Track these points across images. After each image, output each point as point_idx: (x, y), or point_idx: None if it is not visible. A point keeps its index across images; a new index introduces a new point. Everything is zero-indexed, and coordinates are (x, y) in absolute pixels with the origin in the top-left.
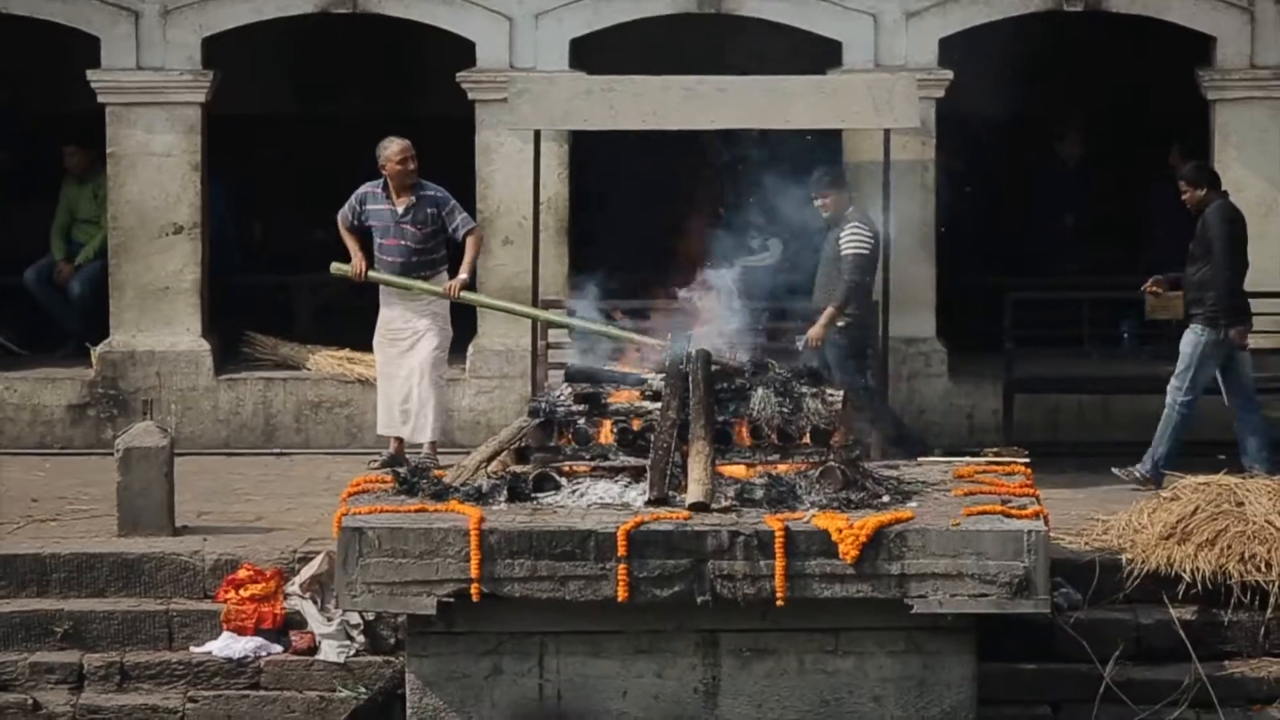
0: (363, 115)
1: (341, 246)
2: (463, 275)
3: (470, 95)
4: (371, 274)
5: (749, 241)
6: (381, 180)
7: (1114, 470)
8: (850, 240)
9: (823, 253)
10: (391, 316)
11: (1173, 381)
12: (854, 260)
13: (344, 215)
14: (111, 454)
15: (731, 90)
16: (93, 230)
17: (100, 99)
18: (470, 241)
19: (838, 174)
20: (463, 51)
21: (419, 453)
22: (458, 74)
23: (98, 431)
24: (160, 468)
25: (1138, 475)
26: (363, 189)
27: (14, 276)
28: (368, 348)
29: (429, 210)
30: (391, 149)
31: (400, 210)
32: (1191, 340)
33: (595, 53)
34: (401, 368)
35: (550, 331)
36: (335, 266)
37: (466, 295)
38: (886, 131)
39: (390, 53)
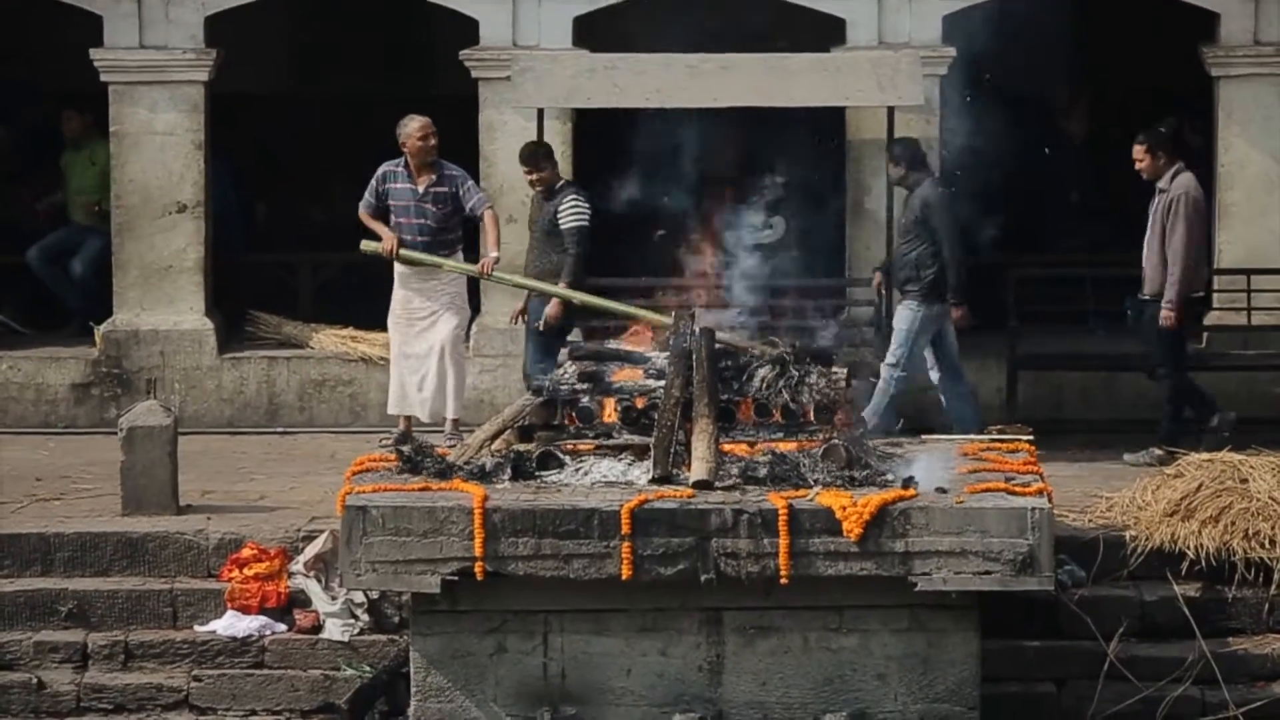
0: (366, 94)
1: (357, 228)
2: (494, 254)
3: (474, 74)
4: (404, 252)
5: (753, 219)
6: (402, 159)
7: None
8: (570, 212)
9: (537, 224)
10: (409, 296)
11: (888, 358)
12: (577, 233)
13: (366, 202)
14: (115, 433)
15: (735, 68)
16: (87, 200)
17: (103, 78)
18: (489, 218)
19: (547, 148)
20: (466, 30)
21: (440, 430)
22: (461, 52)
23: (101, 410)
24: (164, 447)
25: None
26: (382, 169)
27: (18, 255)
28: (371, 326)
29: (448, 190)
30: (412, 126)
31: (421, 189)
32: (907, 317)
33: (598, 31)
34: (419, 347)
35: None
36: (366, 244)
37: (499, 274)
38: (890, 109)
39: (394, 32)
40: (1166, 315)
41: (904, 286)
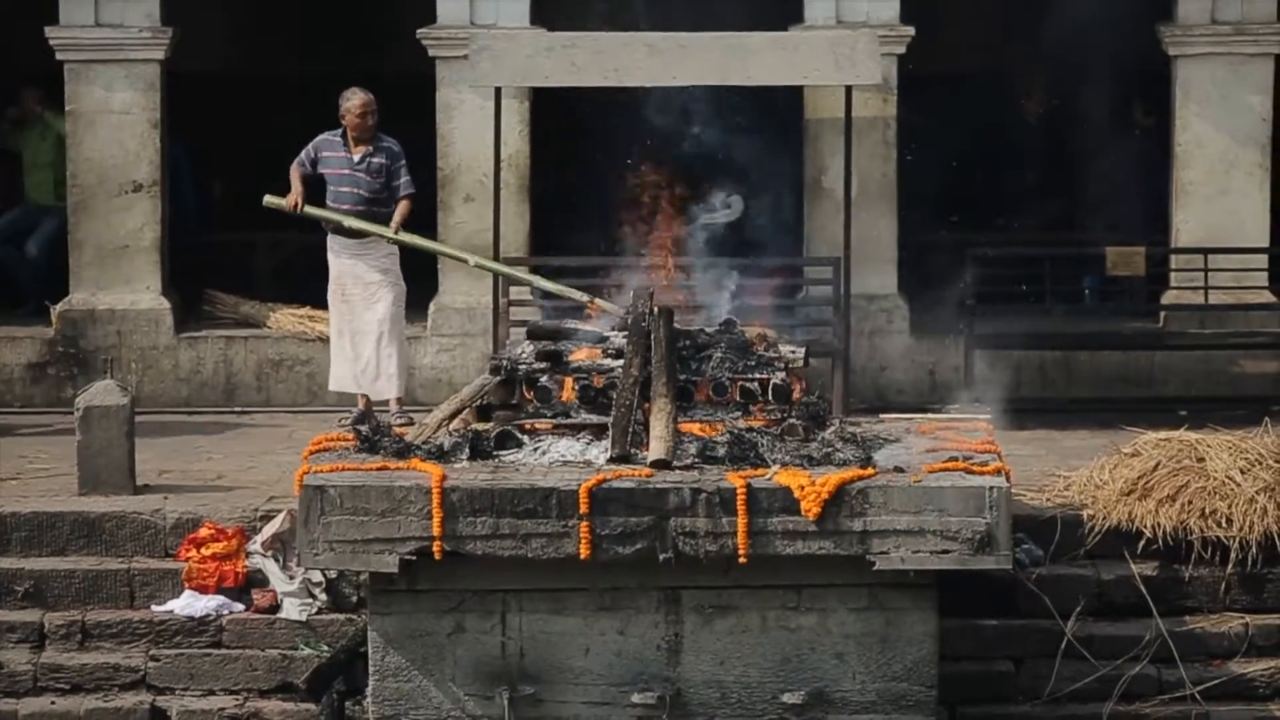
0: (325, 72)
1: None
2: (397, 220)
3: (431, 52)
4: (308, 209)
5: (711, 199)
6: (340, 129)
7: None
8: None
9: None
10: (341, 270)
11: None
12: None
13: (300, 161)
14: (72, 412)
15: (693, 47)
16: (44, 176)
17: (58, 56)
18: (404, 206)
19: None
20: (424, 8)
21: (386, 409)
22: (418, 31)
23: (58, 390)
24: (121, 426)
25: None
26: (320, 137)
27: None
28: (328, 306)
29: (383, 161)
30: (353, 101)
31: (356, 159)
32: None
33: (556, 9)
34: (357, 323)
35: (513, 289)
36: (269, 198)
37: (405, 235)
38: (848, 88)
39: (352, 9)
40: None
41: None
